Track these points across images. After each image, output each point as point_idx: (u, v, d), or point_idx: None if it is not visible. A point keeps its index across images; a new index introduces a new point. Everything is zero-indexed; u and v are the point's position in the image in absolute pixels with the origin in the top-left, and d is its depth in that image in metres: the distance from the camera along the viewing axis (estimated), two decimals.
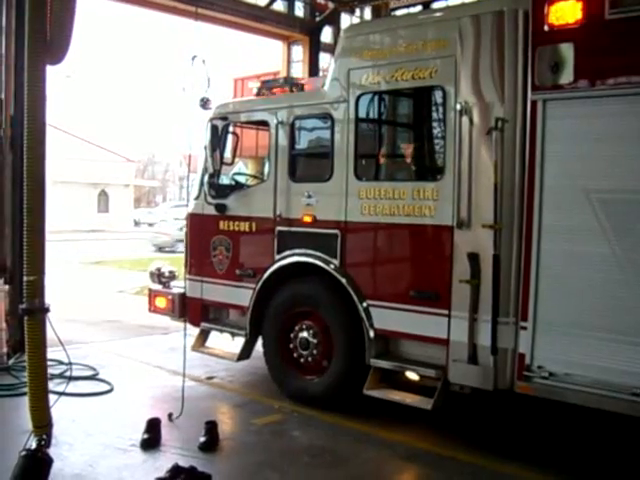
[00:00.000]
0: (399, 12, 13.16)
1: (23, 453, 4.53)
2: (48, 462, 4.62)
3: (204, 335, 7.49)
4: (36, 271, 4.71)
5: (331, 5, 13.29)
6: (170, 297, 7.70)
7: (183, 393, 5.96)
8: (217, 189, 7.14)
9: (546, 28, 5.06)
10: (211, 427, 5.53)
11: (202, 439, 5.42)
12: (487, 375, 5.38)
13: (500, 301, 5.31)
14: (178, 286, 7.85)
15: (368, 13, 14.14)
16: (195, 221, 7.53)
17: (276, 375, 6.81)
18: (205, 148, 7.03)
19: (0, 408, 6.22)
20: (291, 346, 6.64)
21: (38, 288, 4.73)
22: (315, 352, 6.48)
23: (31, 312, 4.68)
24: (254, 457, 5.35)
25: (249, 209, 6.96)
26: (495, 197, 5.26)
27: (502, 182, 5.27)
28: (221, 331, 7.35)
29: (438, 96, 5.69)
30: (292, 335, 6.63)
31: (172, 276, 7.91)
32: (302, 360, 6.58)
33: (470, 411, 6.44)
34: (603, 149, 4.86)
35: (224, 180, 7.32)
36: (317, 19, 13.38)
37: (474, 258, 5.40)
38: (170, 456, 5.18)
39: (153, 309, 7.95)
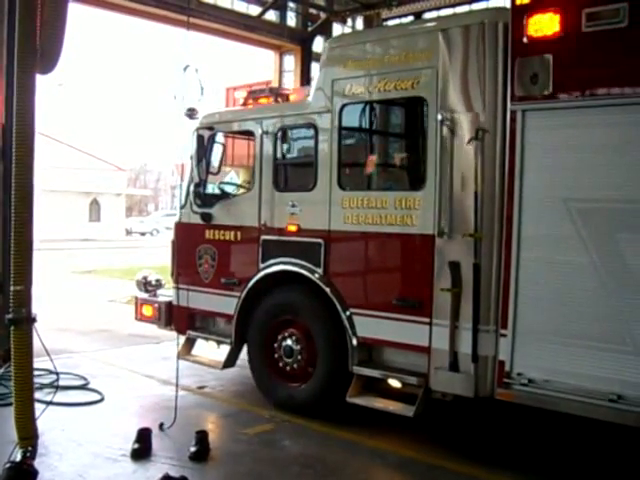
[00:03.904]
0: (390, 22, 13.33)
1: (7, 465, 4.51)
2: (33, 474, 4.58)
3: (190, 343, 7.52)
4: (23, 281, 4.69)
5: (323, 15, 13.46)
6: (156, 305, 7.74)
7: (176, 403, 5.94)
8: (203, 198, 7.20)
9: (525, 40, 5.14)
10: (202, 437, 5.51)
11: (193, 449, 5.40)
12: (468, 382, 5.43)
13: (481, 309, 5.37)
14: (165, 294, 7.88)
15: (360, 23, 14.26)
16: (181, 230, 7.57)
17: (261, 382, 6.84)
18: (191, 158, 7.09)
19: None
20: (275, 354, 6.68)
21: (25, 298, 4.70)
22: (299, 360, 6.52)
23: (17, 322, 4.65)
24: (245, 467, 5.35)
25: (234, 218, 7.01)
26: (475, 207, 5.34)
27: (482, 192, 5.34)
28: (207, 339, 7.38)
29: (420, 107, 5.77)
30: (276, 343, 6.67)
31: (159, 284, 7.95)
32: (286, 368, 6.62)
33: (456, 418, 6.50)
34: (581, 159, 4.93)
35: (211, 189, 7.36)
36: (309, 29, 13.52)
37: (455, 267, 5.46)
38: (161, 466, 5.17)
39: (140, 317, 7.98)
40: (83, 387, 7.21)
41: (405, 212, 5.76)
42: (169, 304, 7.64)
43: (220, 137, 7.27)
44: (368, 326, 6.02)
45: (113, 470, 5.15)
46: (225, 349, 7.15)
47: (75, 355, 8.76)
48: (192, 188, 7.19)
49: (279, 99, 7.15)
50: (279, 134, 6.70)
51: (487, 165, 5.34)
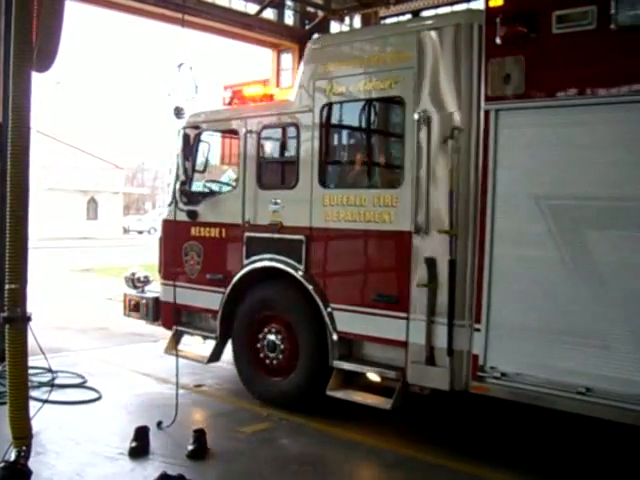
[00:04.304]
0: (388, 20, 13.41)
1: (1, 465, 4.51)
2: (27, 474, 4.59)
3: (177, 338, 7.63)
4: (18, 279, 4.65)
5: (321, 13, 13.46)
6: (144, 301, 7.87)
7: (177, 401, 5.96)
8: (189, 196, 7.32)
9: (498, 41, 5.26)
10: (199, 435, 5.49)
11: (190, 447, 5.39)
12: (444, 376, 5.55)
13: (456, 304, 5.49)
14: (153, 291, 8.01)
15: (358, 21, 14.27)
16: (168, 227, 7.70)
17: (245, 376, 6.96)
18: (177, 156, 7.22)
19: None
20: (259, 348, 6.81)
21: (20, 296, 4.67)
22: (281, 354, 6.65)
23: (12, 321, 4.61)
24: (242, 465, 5.36)
25: (219, 216, 7.13)
26: (450, 204, 5.46)
27: (458, 189, 5.47)
28: (193, 334, 7.50)
29: (398, 106, 5.89)
30: (260, 338, 6.80)
31: (146, 281, 8.07)
32: (269, 362, 6.74)
33: (453, 416, 6.60)
34: (552, 157, 5.05)
35: (197, 187, 7.48)
36: (307, 27, 13.49)
37: (431, 263, 5.58)
38: (158, 464, 5.17)
39: (128, 313, 8.10)
40: (81, 385, 7.23)
41: (383, 209, 5.89)
42: (156, 300, 7.78)
43: (206, 136, 7.38)
44: (348, 321, 6.14)
45: (111, 468, 5.16)
46: (211, 344, 7.28)
47: (73, 353, 8.79)
48: (178, 186, 7.31)
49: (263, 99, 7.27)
50: (262, 133, 6.83)
51: (462, 163, 5.47)
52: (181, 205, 7.36)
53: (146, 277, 8.05)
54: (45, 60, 4.91)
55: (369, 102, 6.12)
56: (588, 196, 4.91)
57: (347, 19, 14.30)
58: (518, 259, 5.22)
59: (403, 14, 13.24)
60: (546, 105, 5.10)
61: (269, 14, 13.23)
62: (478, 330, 5.37)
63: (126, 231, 48.57)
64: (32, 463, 4.71)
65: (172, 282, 7.55)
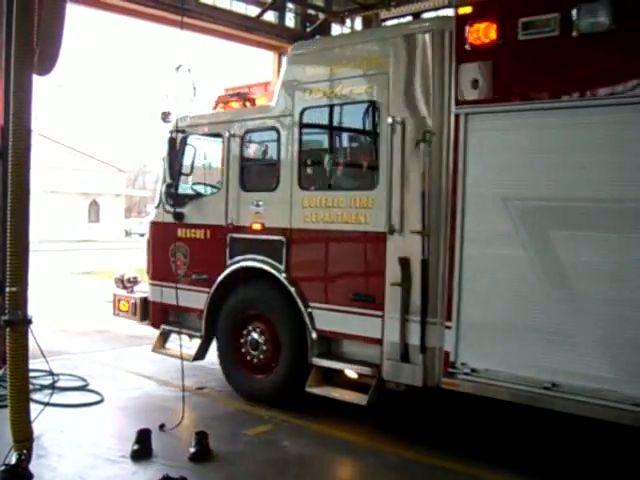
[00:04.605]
0: (389, 23, 13.50)
1: (2, 468, 4.51)
2: (28, 477, 4.59)
3: (164, 337, 7.84)
4: (19, 282, 4.63)
5: (322, 16, 13.54)
6: (133, 301, 8.07)
7: (183, 403, 5.98)
8: (175, 198, 7.50)
9: (467, 47, 5.44)
10: (201, 438, 5.48)
11: (192, 450, 5.39)
12: (417, 372, 5.72)
13: (429, 303, 5.67)
14: (141, 291, 8.19)
15: (359, 24, 14.31)
16: (156, 229, 7.89)
17: (229, 373, 7.14)
18: (163, 159, 7.40)
19: None
20: (242, 347, 6.99)
21: (21, 299, 4.65)
22: (264, 352, 6.83)
23: (13, 324, 4.60)
24: (244, 468, 5.37)
25: (204, 217, 7.32)
26: (423, 205, 5.63)
27: (430, 191, 5.64)
28: (179, 333, 7.66)
29: (373, 111, 6.05)
30: (243, 336, 6.98)
31: (135, 281, 8.26)
32: (252, 360, 6.93)
33: (453, 419, 6.65)
34: (519, 159, 5.22)
35: (183, 190, 7.67)
36: (308, 30, 13.52)
37: (405, 263, 5.75)
38: (160, 467, 5.15)
39: (117, 313, 8.29)
40: (83, 388, 7.25)
41: (359, 211, 6.06)
42: (144, 300, 7.97)
43: (192, 139, 7.56)
44: (326, 320, 6.31)
45: (113, 471, 5.17)
46: (197, 343, 7.45)
47: (74, 356, 8.81)
48: (164, 189, 7.50)
49: (247, 103, 7.44)
50: (245, 137, 7.02)
51: (434, 166, 5.63)
52: (167, 207, 7.54)
53: (135, 278, 8.24)
54: (46, 63, 4.94)
55: (346, 107, 6.29)
56: (553, 197, 5.08)
57: (348, 21, 14.37)
58: (487, 259, 5.38)
59: (404, 16, 13.30)
60: (513, 109, 5.27)
61: (270, 17, 13.28)
62: (449, 328, 5.54)
63: (128, 234, 48.81)
64: (34, 466, 4.74)
65: (159, 282, 7.76)
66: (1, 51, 7.49)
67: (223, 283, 7.09)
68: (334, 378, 6.47)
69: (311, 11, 13.87)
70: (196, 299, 7.31)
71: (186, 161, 7.60)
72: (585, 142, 4.95)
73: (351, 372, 6.26)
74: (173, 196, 7.49)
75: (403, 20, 6.30)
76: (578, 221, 4.98)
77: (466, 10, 5.48)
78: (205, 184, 7.58)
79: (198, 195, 7.57)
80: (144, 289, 8.17)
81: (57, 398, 5.88)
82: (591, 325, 4.93)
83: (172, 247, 7.59)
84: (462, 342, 5.49)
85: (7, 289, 4.63)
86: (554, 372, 5.06)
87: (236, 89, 8.02)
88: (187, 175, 7.66)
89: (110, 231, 45.46)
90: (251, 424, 6.30)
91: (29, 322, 4.66)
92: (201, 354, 7.40)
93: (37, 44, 4.78)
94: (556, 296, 5.08)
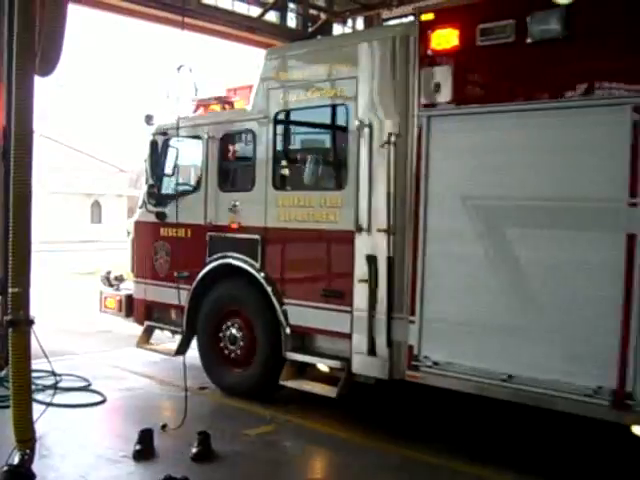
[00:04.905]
0: (391, 22, 13.66)
1: (5, 468, 4.52)
2: (31, 477, 4.60)
3: (148, 333, 8.09)
4: (21, 283, 4.63)
5: (323, 16, 13.48)
6: (118, 298, 8.33)
7: (186, 403, 5.96)
8: (157, 198, 7.75)
9: (429, 52, 5.66)
10: (203, 438, 5.50)
11: (194, 450, 5.40)
12: (383, 366, 5.95)
13: (394, 298, 5.89)
14: (127, 288, 8.45)
15: (360, 24, 14.25)
16: (140, 228, 8.16)
17: (208, 367, 7.38)
18: (145, 161, 7.65)
19: None
20: (221, 342, 7.23)
21: (23, 300, 4.65)
22: (241, 347, 7.07)
23: (16, 324, 4.59)
24: (247, 468, 5.40)
25: (185, 217, 7.54)
26: (388, 204, 5.86)
27: (395, 190, 5.86)
28: (162, 329, 7.93)
29: (342, 113, 6.28)
30: (222, 332, 7.22)
31: (121, 279, 8.51)
32: (231, 354, 7.17)
33: (456, 418, 6.66)
34: (477, 160, 5.43)
35: (165, 190, 7.91)
36: (309, 30, 13.44)
37: (371, 260, 5.97)
38: (163, 467, 5.12)
39: (104, 310, 8.55)
40: (85, 388, 7.28)
41: (329, 210, 6.30)
42: (129, 297, 8.22)
43: (173, 141, 7.80)
44: (299, 315, 6.55)
45: (115, 471, 5.18)
46: (179, 338, 7.70)
47: (76, 356, 8.86)
48: (147, 189, 7.75)
49: (226, 106, 7.68)
50: (223, 139, 7.26)
51: (399, 167, 5.85)
52: (150, 207, 7.79)
53: (121, 276, 8.49)
54: (48, 64, 4.94)
55: (317, 110, 6.53)
56: (508, 197, 5.29)
57: (350, 21, 14.48)
58: (448, 256, 5.59)
59: (405, 16, 13.44)
60: (471, 112, 5.49)
61: (272, 17, 13.22)
62: (413, 322, 5.75)
63: (129, 234, 48.93)
64: (37, 466, 4.76)
65: (143, 280, 8.01)
66: (3, 52, 7.57)
67: (203, 280, 7.32)
68: (307, 372, 6.71)
69: (313, 11, 13.76)
70: (177, 296, 7.53)
71: (168, 162, 7.84)
72: (537, 143, 5.16)
73: (322, 366, 6.49)
74: (155, 196, 7.73)
75: (404, 20, 6.48)
76: (531, 219, 5.19)
77: (428, 17, 5.70)
78: (186, 184, 7.82)
79: (179, 195, 7.80)
80: (130, 287, 8.42)
81: (59, 398, 5.90)
82: (544, 319, 5.14)
83: (155, 245, 7.84)
84: (425, 336, 5.70)
85: (9, 290, 4.63)
86: (510, 364, 5.26)
87: (238, 89, 8.20)
88: (169, 176, 7.89)
89: (112, 231, 45.67)
90: (253, 424, 6.33)
91: (31, 322, 4.66)
92: (182, 349, 7.61)
93: (39, 45, 4.80)
94: (511, 291, 5.30)
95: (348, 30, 14.12)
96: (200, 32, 11.86)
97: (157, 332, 8.20)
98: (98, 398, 6.94)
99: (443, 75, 5.59)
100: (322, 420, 6.44)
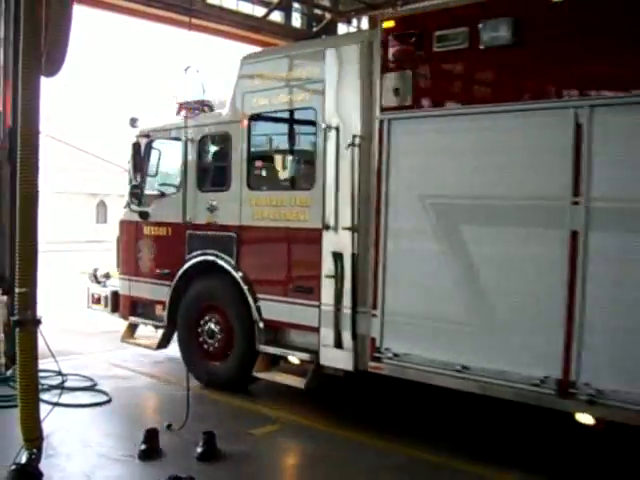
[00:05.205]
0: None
1: (12, 467, 4.55)
2: (38, 476, 4.63)
3: (132, 328, 8.41)
4: (28, 283, 4.65)
5: (328, 16, 13.52)
6: (104, 295, 8.63)
7: (188, 403, 6.04)
8: (140, 198, 8.07)
9: (390, 58, 5.92)
10: (209, 437, 5.52)
11: (200, 449, 5.42)
12: (349, 358, 6.23)
13: (359, 293, 6.17)
14: (113, 285, 8.76)
15: (365, 23, 14.30)
16: (125, 227, 8.48)
17: (187, 361, 7.66)
18: (128, 162, 7.97)
19: None
20: (200, 336, 7.53)
21: (30, 300, 4.67)
22: (219, 340, 7.37)
23: (22, 324, 4.62)
24: (252, 467, 5.44)
25: (166, 216, 7.86)
26: (352, 203, 6.13)
27: (359, 190, 6.13)
28: (145, 324, 8.24)
29: (310, 117, 6.56)
30: (201, 326, 7.52)
31: (107, 276, 8.83)
32: (209, 348, 7.47)
33: (459, 416, 6.72)
34: (432, 161, 5.70)
35: (148, 190, 8.22)
36: (314, 29, 13.51)
37: (337, 257, 6.26)
38: (168, 467, 5.14)
39: (91, 306, 8.87)
40: (91, 388, 7.32)
41: (299, 209, 6.58)
42: (115, 293, 8.54)
43: (156, 143, 8.11)
44: (271, 310, 6.84)
45: (121, 471, 5.22)
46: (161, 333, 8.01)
47: (82, 356, 8.91)
48: (130, 189, 8.06)
49: (205, 109, 7.97)
50: (201, 141, 7.57)
51: (363, 167, 6.13)
52: (134, 207, 8.10)
53: (107, 273, 8.80)
54: (54, 64, 4.96)
55: (288, 113, 6.82)
56: (461, 195, 5.55)
57: (355, 21, 14.61)
58: (406, 253, 5.86)
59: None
60: (428, 115, 5.76)
61: (276, 17, 13.32)
62: (375, 316, 6.02)
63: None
64: (42, 465, 4.78)
65: (128, 277, 8.33)
66: (8, 53, 7.82)
67: (183, 276, 7.62)
68: (280, 364, 7.01)
69: (317, 11, 13.82)
70: (160, 292, 7.86)
71: (151, 163, 8.15)
72: (488, 145, 5.41)
73: (293, 358, 6.77)
74: (138, 196, 8.04)
75: None
76: (482, 217, 5.44)
77: (389, 24, 5.97)
78: (168, 185, 8.12)
79: (161, 195, 8.11)
80: (116, 284, 8.73)
81: (65, 398, 5.92)
82: (494, 312, 5.40)
83: (138, 243, 8.15)
84: (386, 329, 5.97)
85: (17, 290, 4.67)
86: (464, 356, 5.52)
87: None
88: (152, 177, 8.20)
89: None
90: (258, 424, 6.38)
91: (38, 322, 4.69)
92: (164, 343, 7.96)
93: (44, 45, 4.82)
94: (464, 286, 5.55)
95: (353, 30, 14.27)
96: (205, 32, 11.92)
97: (141, 327, 8.51)
98: (103, 398, 6.99)
99: (402, 80, 5.86)
100: (327, 420, 6.51)
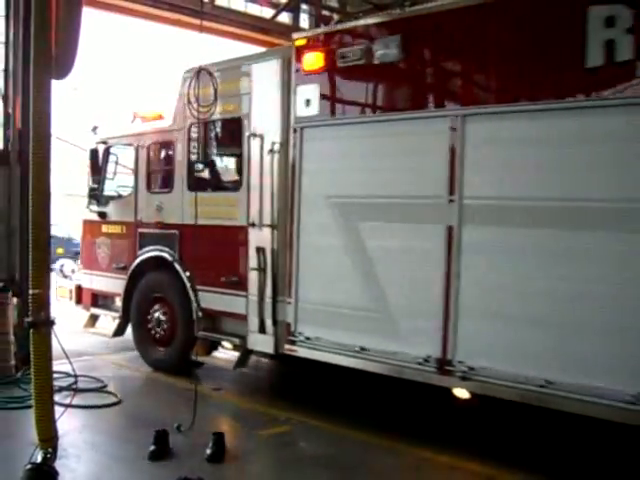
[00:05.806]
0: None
1: (28, 466, 4.55)
2: (53, 475, 4.63)
3: (94, 319, 9.18)
4: (41, 284, 4.65)
5: (336, 17, 13.54)
6: (69, 288, 9.41)
7: (195, 404, 6.02)
8: (99, 199, 8.83)
9: (302, 72, 6.61)
10: (218, 438, 5.51)
11: (209, 450, 5.41)
12: (270, 342, 6.92)
13: (278, 284, 6.85)
14: (78, 279, 9.55)
15: None
16: (86, 226, 9.27)
17: (140, 347, 8.43)
18: (87, 166, 8.74)
19: (9, 420, 6.23)
20: (149, 324, 8.26)
21: (43, 301, 4.68)
22: (165, 328, 8.10)
23: (36, 325, 4.62)
24: (261, 468, 5.51)
25: (121, 215, 8.61)
26: (272, 203, 6.83)
27: (278, 191, 6.83)
28: (105, 315, 9.00)
29: (239, 126, 7.27)
30: (150, 315, 8.25)
31: (73, 272, 9.60)
32: (157, 335, 8.20)
33: (469, 418, 6.62)
34: (336, 164, 6.36)
35: (106, 192, 8.98)
36: None
37: (261, 251, 6.96)
38: (178, 468, 5.11)
39: (58, 299, 9.62)
40: (101, 390, 7.33)
41: (230, 208, 7.30)
42: (79, 287, 9.31)
43: (113, 149, 8.86)
44: (208, 300, 7.55)
45: (131, 472, 5.22)
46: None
47: (92, 358, 8.89)
48: (89, 191, 8.83)
49: (161, 116, 8.70)
50: (150, 147, 8.31)
51: (281, 171, 6.82)
52: (93, 207, 8.86)
53: (72, 269, 9.58)
54: (63, 67, 5.00)
55: (221, 122, 7.54)
56: (361, 195, 6.21)
57: None
58: (315, 247, 6.54)
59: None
60: (333, 123, 6.43)
61: (284, 18, 13.52)
62: (290, 304, 6.71)
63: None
64: (55, 466, 4.79)
65: (89, 271, 9.10)
66: (18, 55, 8.04)
67: (135, 271, 8.36)
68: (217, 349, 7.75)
69: (325, 12, 13.91)
70: (116, 285, 8.61)
71: (109, 167, 8.91)
72: (382, 150, 6.08)
73: (226, 343, 7.49)
74: (97, 197, 8.81)
75: None
76: (374, 214, 6.11)
77: (301, 42, 6.66)
78: (123, 187, 8.86)
79: (118, 196, 8.87)
80: (80, 278, 9.51)
81: (75, 399, 5.89)
82: (387, 299, 6.04)
83: (98, 241, 8.92)
84: (299, 315, 6.65)
85: (30, 291, 4.68)
86: (363, 339, 6.17)
87: None
88: (111, 179, 8.95)
89: None
90: (268, 425, 6.38)
91: (52, 323, 4.69)
92: (120, 331, 8.70)
93: (54, 48, 4.84)
94: (362, 276, 6.20)
95: None
96: (213, 34, 12.00)
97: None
98: (113, 399, 6.99)
99: (312, 92, 6.54)
100: (337, 421, 6.45)
